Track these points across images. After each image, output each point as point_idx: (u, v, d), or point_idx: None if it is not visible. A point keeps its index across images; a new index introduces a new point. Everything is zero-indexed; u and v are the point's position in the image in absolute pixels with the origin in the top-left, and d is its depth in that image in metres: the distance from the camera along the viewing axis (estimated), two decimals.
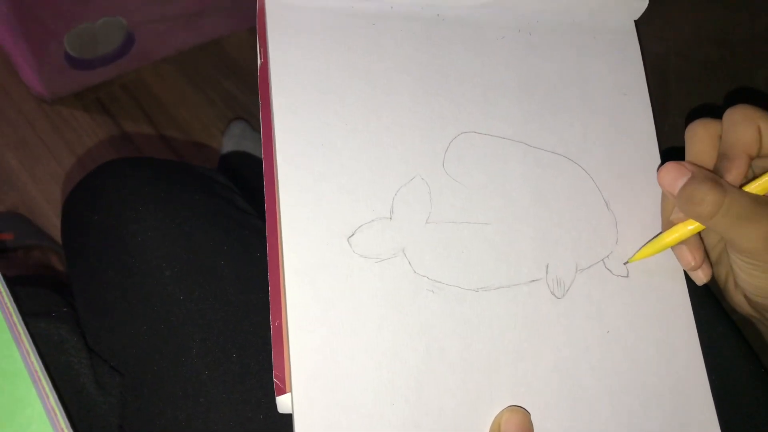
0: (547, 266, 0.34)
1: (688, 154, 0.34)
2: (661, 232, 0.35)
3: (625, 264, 0.35)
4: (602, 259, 0.35)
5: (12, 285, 0.38)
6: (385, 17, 0.36)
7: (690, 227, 0.33)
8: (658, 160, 0.37)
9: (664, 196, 0.35)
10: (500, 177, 0.35)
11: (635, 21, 0.39)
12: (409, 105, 0.35)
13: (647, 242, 0.35)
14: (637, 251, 0.35)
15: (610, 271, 0.35)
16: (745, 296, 0.35)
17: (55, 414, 0.34)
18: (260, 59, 0.34)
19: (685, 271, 0.36)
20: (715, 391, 0.34)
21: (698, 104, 0.49)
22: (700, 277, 0.35)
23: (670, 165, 0.33)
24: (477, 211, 0.34)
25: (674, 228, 0.34)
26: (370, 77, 0.35)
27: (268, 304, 0.31)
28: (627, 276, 0.35)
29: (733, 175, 0.32)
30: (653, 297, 0.35)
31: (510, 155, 0.35)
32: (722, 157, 0.33)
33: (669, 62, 0.48)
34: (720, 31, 0.49)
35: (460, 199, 0.34)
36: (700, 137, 0.34)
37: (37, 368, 0.35)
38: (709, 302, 0.41)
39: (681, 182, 0.32)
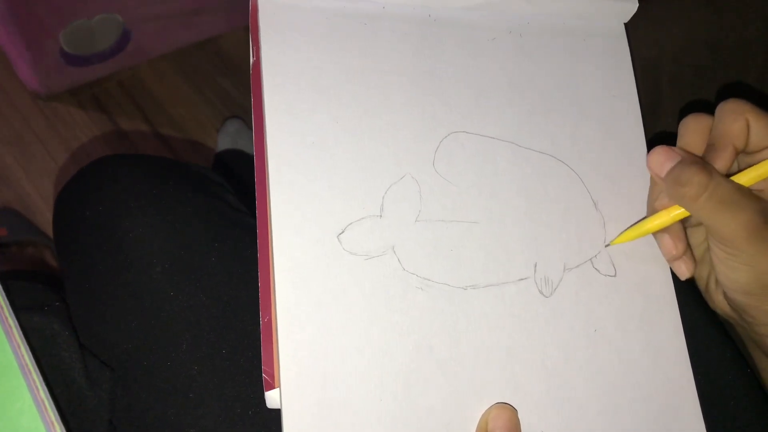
0: (536, 265, 0.34)
1: (679, 143, 0.35)
2: (645, 217, 0.36)
3: (606, 246, 0.35)
4: (590, 259, 0.35)
5: (5, 279, 0.38)
6: (378, 17, 0.36)
7: (673, 213, 0.33)
8: None
9: (652, 185, 0.36)
10: (490, 176, 0.35)
11: (625, 24, 0.40)
12: (400, 104, 0.35)
13: (630, 226, 0.35)
14: (619, 234, 0.35)
15: (598, 270, 0.35)
16: (725, 296, 0.35)
17: (45, 407, 0.34)
18: (253, 57, 0.35)
19: (671, 268, 0.36)
20: (701, 391, 0.34)
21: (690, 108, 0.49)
22: (683, 270, 0.35)
23: (660, 148, 0.34)
24: (466, 209, 0.34)
25: (658, 214, 0.34)
26: (362, 77, 0.35)
27: (258, 301, 0.31)
28: (614, 276, 0.35)
29: (718, 166, 0.33)
30: (640, 297, 0.35)
31: (500, 155, 0.36)
32: (709, 147, 0.33)
33: (661, 66, 0.49)
34: (712, 35, 0.49)
35: (449, 198, 0.34)
36: (691, 129, 0.34)
37: (28, 361, 0.35)
38: (696, 303, 0.41)
39: (669, 165, 0.33)
